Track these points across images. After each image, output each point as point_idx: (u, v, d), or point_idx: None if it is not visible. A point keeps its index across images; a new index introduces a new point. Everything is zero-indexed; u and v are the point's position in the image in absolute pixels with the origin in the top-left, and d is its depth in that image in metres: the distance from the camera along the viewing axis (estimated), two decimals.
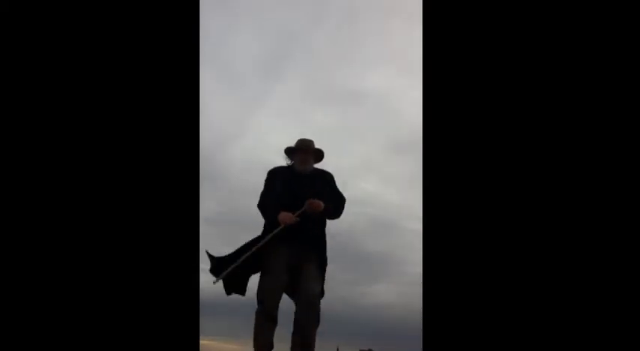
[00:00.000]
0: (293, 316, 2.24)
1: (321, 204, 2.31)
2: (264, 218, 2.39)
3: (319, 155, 2.54)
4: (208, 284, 2.07)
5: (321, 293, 2.27)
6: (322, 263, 2.33)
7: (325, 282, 2.30)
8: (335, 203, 2.41)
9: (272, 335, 2.24)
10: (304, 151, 2.47)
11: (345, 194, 2.48)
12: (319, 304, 2.24)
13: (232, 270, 2.16)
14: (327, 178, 2.54)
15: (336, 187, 2.52)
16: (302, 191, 2.35)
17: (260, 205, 2.43)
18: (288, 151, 2.54)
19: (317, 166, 2.55)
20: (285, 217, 2.26)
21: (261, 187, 2.45)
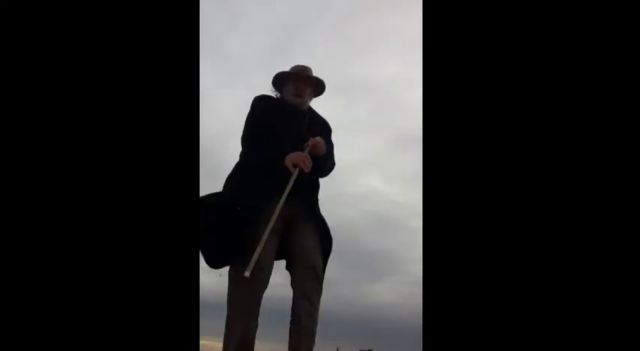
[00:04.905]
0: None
1: (324, 145, 1.79)
2: (254, 155, 1.77)
3: (319, 86, 1.97)
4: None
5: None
6: (324, 237, 1.78)
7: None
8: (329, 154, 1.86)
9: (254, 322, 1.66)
10: (299, 79, 1.91)
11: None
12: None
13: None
14: (325, 125, 2.00)
15: (331, 142, 1.94)
16: (295, 129, 1.82)
17: (247, 136, 1.80)
18: (279, 79, 1.94)
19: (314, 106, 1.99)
20: (297, 157, 1.67)
21: None
